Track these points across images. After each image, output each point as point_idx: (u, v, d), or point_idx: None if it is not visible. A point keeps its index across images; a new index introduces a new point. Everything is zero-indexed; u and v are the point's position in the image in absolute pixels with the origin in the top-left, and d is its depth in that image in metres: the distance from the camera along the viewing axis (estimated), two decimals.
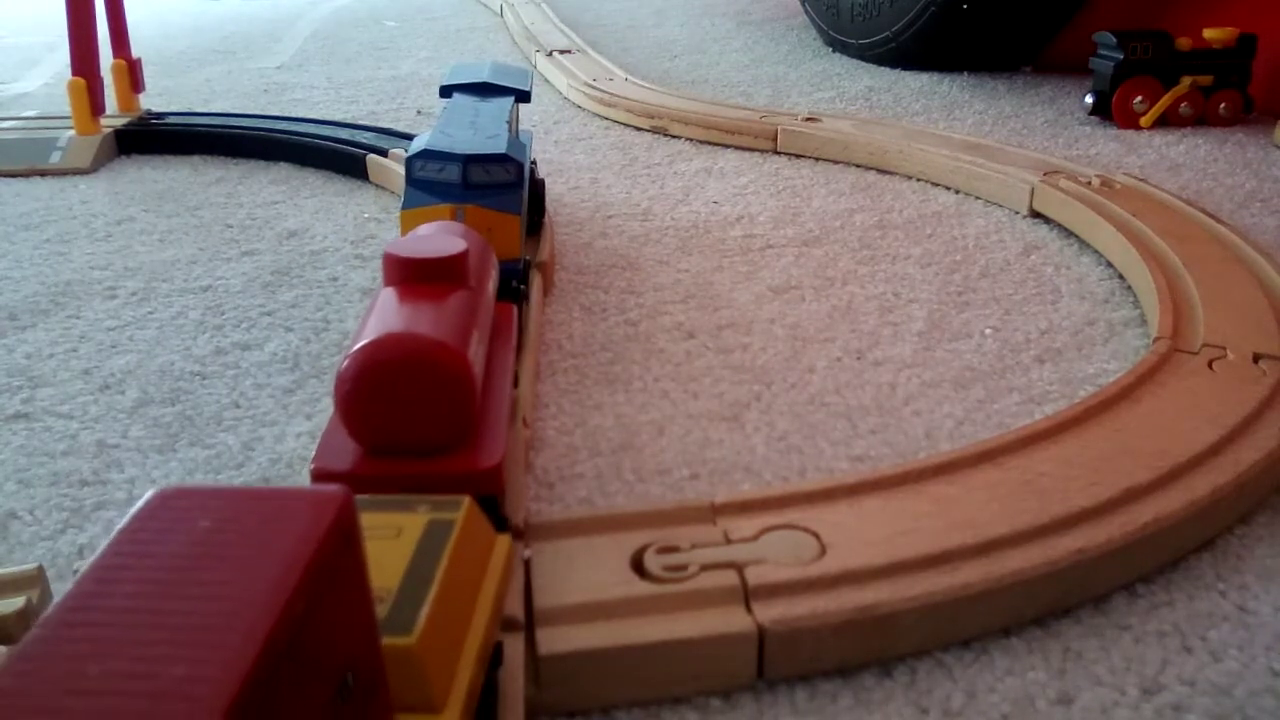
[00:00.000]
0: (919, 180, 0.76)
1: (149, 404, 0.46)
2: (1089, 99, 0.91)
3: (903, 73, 1.14)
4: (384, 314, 0.31)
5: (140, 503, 0.17)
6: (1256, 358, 0.44)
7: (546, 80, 1.13)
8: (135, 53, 0.91)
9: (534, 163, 0.60)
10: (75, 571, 0.35)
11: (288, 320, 0.54)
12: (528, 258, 0.52)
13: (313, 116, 0.93)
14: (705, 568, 0.31)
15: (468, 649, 0.25)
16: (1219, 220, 0.61)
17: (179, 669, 0.14)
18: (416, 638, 0.22)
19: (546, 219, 0.61)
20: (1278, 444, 0.38)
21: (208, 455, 0.42)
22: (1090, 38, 0.92)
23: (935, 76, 1.11)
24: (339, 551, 0.17)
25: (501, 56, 1.25)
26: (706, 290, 0.57)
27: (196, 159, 0.85)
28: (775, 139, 0.83)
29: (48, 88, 1.17)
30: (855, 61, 1.21)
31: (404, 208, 0.47)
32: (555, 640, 0.28)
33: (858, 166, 0.79)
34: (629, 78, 1.05)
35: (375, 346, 0.30)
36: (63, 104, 0.85)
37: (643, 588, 0.30)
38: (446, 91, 0.59)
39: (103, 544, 0.16)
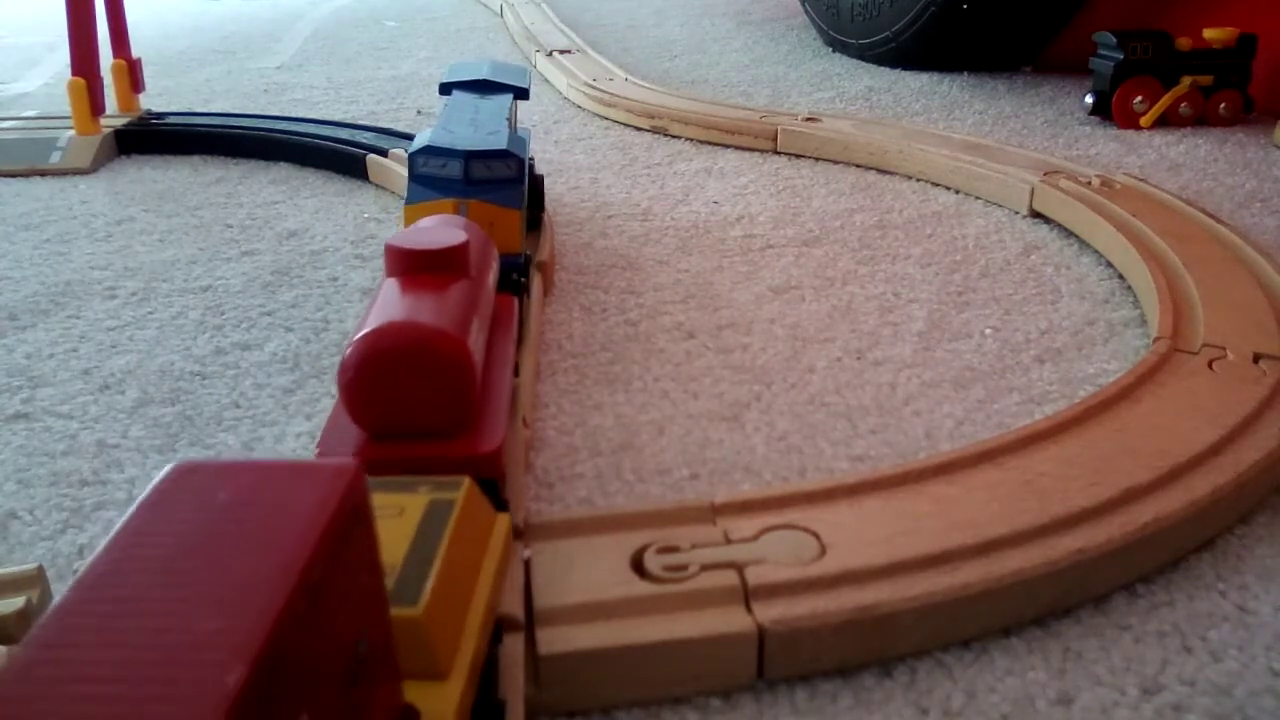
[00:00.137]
0: (919, 180, 0.76)
1: (149, 404, 0.46)
2: (1089, 99, 0.91)
3: (903, 73, 1.14)
4: (386, 303, 0.32)
5: (159, 476, 0.18)
6: (1256, 358, 0.44)
7: (546, 80, 1.13)
8: (135, 53, 0.91)
9: (532, 159, 0.60)
10: (75, 571, 0.35)
11: (288, 320, 0.54)
12: (528, 252, 0.52)
13: (313, 116, 0.93)
14: (705, 568, 0.31)
15: (470, 621, 0.25)
16: (1219, 220, 0.61)
17: (210, 624, 0.15)
18: (422, 609, 0.23)
19: (546, 218, 0.61)
20: (1278, 444, 0.38)
21: (208, 455, 0.42)
22: (1090, 38, 0.92)
23: (935, 76, 1.11)
24: (352, 520, 0.18)
25: (501, 56, 1.25)
26: (706, 290, 0.57)
27: (196, 159, 0.85)
28: (775, 139, 0.83)
29: (48, 88, 1.17)
30: (855, 61, 1.21)
31: (407, 203, 0.48)
32: (555, 640, 0.28)
33: (858, 166, 0.79)
34: (629, 78, 1.05)
35: (378, 334, 0.30)
36: (63, 104, 0.85)
37: (643, 588, 0.30)
38: (446, 89, 0.59)
39: (124, 516, 0.17)
